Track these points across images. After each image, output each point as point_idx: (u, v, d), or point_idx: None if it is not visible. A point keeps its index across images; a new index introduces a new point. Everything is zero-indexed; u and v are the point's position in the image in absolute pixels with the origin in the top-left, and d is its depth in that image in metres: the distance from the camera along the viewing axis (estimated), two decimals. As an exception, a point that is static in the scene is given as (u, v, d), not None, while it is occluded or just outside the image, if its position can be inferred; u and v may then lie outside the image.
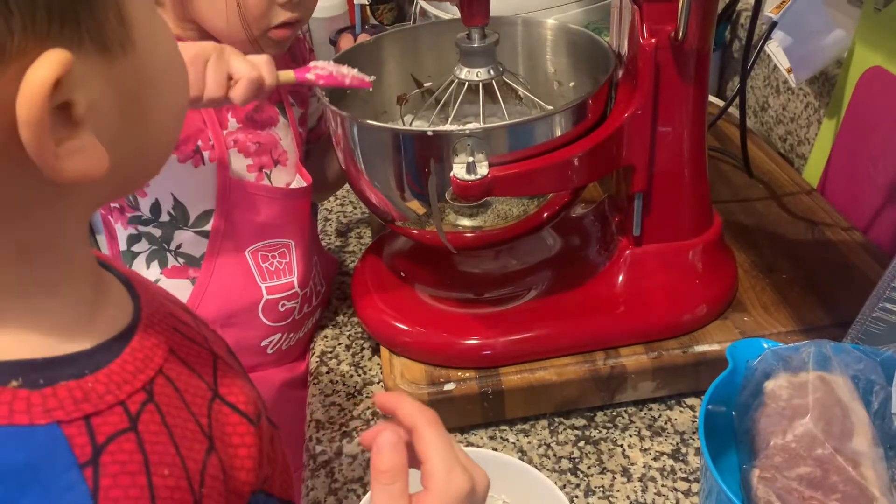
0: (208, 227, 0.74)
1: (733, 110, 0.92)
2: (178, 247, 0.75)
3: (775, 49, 0.89)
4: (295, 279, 0.78)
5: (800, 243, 0.81)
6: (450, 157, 0.60)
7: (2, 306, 0.31)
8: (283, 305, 0.78)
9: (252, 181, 0.74)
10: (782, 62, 0.89)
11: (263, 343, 0.79)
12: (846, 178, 0.88)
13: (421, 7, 1.09)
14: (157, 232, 0.74)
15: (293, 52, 0.81)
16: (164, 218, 0.73)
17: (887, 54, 0.81)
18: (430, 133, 0.61)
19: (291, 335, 0.81)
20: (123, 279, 0.39)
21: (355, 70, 0.65)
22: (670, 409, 0.70)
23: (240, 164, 0.73)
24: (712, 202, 0.74)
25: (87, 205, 0.34)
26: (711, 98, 1.08)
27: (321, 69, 0.64)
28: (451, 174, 0.59)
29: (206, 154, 0.71)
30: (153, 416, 0.33)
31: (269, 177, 0.75)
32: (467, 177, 0.59)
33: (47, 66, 0.26)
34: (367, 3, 1.25)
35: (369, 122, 0.64)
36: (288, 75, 0.63)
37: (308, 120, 0.85)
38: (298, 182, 0.79)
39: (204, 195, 0.73)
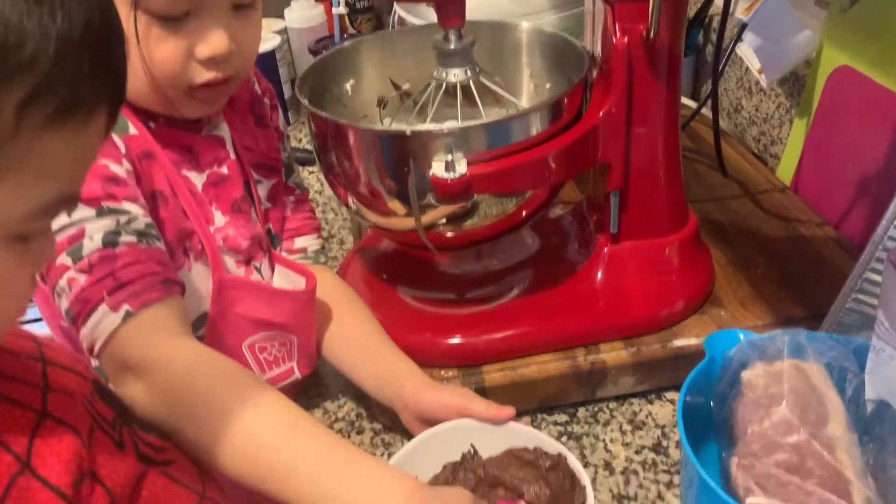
0: (201, 332, 0.65)
1: (707, 112, 0.93)
2: None
3: (746, 51, 0.91)
4: (295, 364, 0.70)
5: (774, 239, 0.82)
6: (429, 156, 0.61)
7: None
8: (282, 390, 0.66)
9: (242, 276, 0.67)
10: (753, 63, 0.91)
11: None
12: (818, 175, 0.90)
13: (399, 16, 1.10)
14: None
15: (256, 113, 0.71)
16: None
17: (853, 54, 0.83)
18: (408, 133, 0.62)
19: None
20: None
21: None
22: (651, 403, 0.71)
23: (229, 261, 0.66)
24: (688, 201, 0.75)
25: None
26: (685, 100, 1.10)
27: None
28: (431, 173, 0.60)
29: (191, 255, 0.63)
30: None
31: (258, 270, 0.68)
32: (446, 175, 0.60)
33: None
34: (345, 13, 1.26)
35: (350, 123, 0.65)
36: None
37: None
38: (292, 279, 0.70)
39: (196, 300, 0.63)
